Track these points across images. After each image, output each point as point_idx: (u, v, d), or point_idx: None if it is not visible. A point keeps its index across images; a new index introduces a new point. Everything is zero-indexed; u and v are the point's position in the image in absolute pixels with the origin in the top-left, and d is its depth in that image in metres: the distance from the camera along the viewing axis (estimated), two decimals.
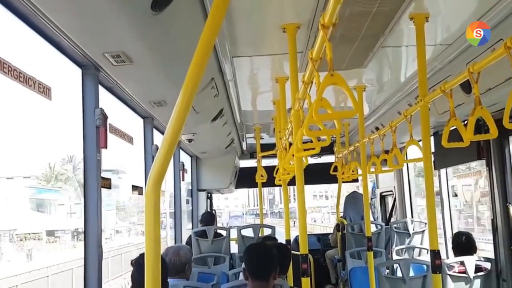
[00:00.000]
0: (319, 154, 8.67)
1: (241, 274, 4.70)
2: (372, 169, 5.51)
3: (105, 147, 3.37)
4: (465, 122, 2.99)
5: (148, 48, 2.95)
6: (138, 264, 2.83)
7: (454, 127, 3.13)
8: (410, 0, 3.06)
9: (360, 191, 7.52)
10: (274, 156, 6.74)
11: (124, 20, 2.55)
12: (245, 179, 9.19)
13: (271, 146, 6.87)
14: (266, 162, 7.81)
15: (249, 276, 2.94)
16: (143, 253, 2.97)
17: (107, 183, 3.57)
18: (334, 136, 7.37)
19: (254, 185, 7.55)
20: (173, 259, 3.53)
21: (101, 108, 3.32)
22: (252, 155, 9.26)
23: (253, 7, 3.21)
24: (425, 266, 4.56)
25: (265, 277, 2.90)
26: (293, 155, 3.62)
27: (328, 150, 7.88)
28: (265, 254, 3.00)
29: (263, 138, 8.01)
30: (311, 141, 3.07)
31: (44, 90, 2.74)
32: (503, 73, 3.25)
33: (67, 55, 3.04)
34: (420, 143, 3.82)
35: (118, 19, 2.53)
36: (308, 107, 2.63)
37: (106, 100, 3.66)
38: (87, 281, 3.26)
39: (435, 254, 3.47)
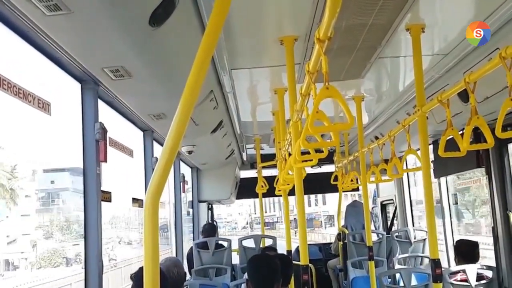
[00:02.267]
0: (319, 164, 8.67)
1: (243, 285, 4.70)
2: (372, 179, 5.51)
3: (105, 160, 3.39)
4: (463, 131, 3.01)
5: (147, 62, 2.97)
6: (137, 277, 2.83)
7: (452, 136, 3.15)
8: (406, 11, 3.09)
9: (360, 200, 7.52)
10: (274, 166, 6.76)
11: (123, 35, 2.58)
12: (245, 189, 9.19)
13: (272, 157, 6.90)
14: (266, 173, 7.82)
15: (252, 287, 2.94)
16: (142, 267, 2.98)
17: (107, 197, 3.58)
18: (333, 147, 7.39)
19: (255, 195, 7.56)
20: (171, 275, 3.53)
21: (100, 122, 3.34)
22: (252, 166, 9.27)
23: (251, 20, 3.24)
24: (426, 275, 4.55)
25: None
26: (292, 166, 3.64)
27: (328, 159, 7.88)
28: (268, 265, 3.01)
29: (263, 149, 8.03)
30: (310, 153, 3.09)
31: (44, 106, 2.77)
32: (500, 82, 3.27)
33: (66, 71, 3.07)
34: (419, 152, 3.83)
35: (117, 35, 2.56)
36: (306, 119, 2.64)
37: (106, 113, 3.68)
38: None
39: (435, 263, 3.47)
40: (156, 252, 1.51)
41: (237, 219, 66.43)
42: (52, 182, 38.73)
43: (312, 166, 8.61)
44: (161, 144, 5.41)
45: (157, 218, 1.51)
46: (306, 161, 3.09)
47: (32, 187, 38.40)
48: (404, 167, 5.89)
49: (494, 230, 4.80)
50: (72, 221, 36.75)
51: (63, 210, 38.67)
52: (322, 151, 2.91)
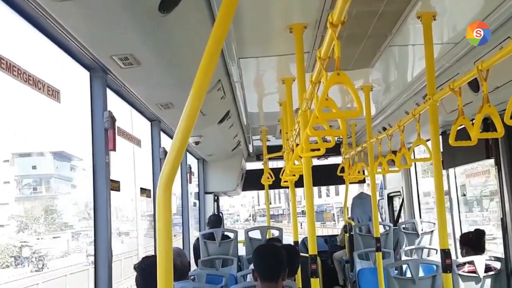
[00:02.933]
0: (326, 155, 8.66)
1: (249, 275, 4.70)
2: (379, 170, 5.49)
3: (114, 149, 3.38)
4: (473, 121, 2.98)
5: (156, 50, 2.95)
6: (140, 268, 2.83)
7: (462, 125, 3.12)
8: None
9: (367, 192, 7.51)
10: (280, 158, 6.75)
11: (132, 22, 2.56)
12: (251, 181, 9.19)
13: (278, 148, 6.89)
14: (272, 164, 7.81)
15: (258, 277, 2.94)
16: (146, 257, 2.97)
17: (116, 186, 3.58)
18: (340, 137, 7.36)
19: (261, 187, 7.56)
20: (176, 264, 3.53)
21: (109, 111, 3.33)
22: (258, 157, 9.27)
23: (260, 7, 3.21)
24: (434, 266, 4.54)
25: (274, 278, 2.90)
26: (300, 157, 3.62)
27: (335, 151, 7.87)
28: (274, 255, 3.00)
29: (269, 140, 8.01)
30: (317, 143, 3.08)
31: (53, 93, 2.75)
32: (511, 71, 3.24)
33: (75, 58, 3.05)
34: (428, 142, 3.80)
35: (126, 22, 2.54)
36: (315, 106, 2.63)
37: (113, 103, 3.67)
38: (98, 282, 3.26)
39: (445, 253, 3.46)
40: (169, 240, 1.50)
41: (239, 211, 62.02)
42: (34, 167, 33.76)
43: (318, 157, 8.62)
44: (168, 135, 5.40)
45: (170, 207, 1.50)
46: (313, 150, 3.06)
47: (11, 172, 32.91)
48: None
49: (503, 221, 4.77)
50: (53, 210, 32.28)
51: (45, 199, 33.25)
52: (330, 141, 2.89)
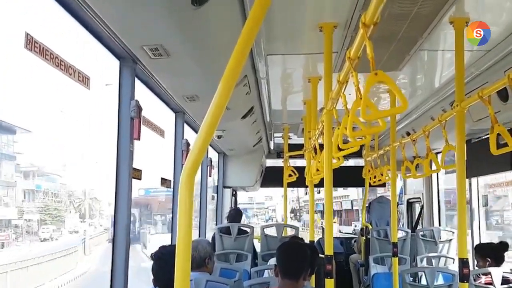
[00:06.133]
0: (347, 157, 8.61)
1: (266, 271, 4.71)
2: (408, 174, 5.43)
3: (138, 138, 3.42)
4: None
5: (186, 42, 2.98)
6: (157, 257, 2.86)
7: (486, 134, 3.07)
8: (452, 3, 3.02)
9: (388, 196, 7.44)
10: (299, 156, 6.73)
11: (164, 13, 2.59)
12: (270, 178, 9.20)
13: (298, 147, 6.87)
14: (290, 163, 7.80)
15: (280, 274, 2.93)
16: (163, 246, 3.00)
17: (137, 174, 3.62)
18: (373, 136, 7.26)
19: (280, 184, 7.56)
20: (192, 254, 3.55)
21: (136, 100, 3.37)
22: (279, 155, 9.26)
23: (291, 5, 3.21)
24: (450, 276, 4.48)
25: (296, 276, 2.88)
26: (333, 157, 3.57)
27: (356, 153, 7.82)
28: (298, 254, 2.98)
29: (291, 138, 8.00)
30: (344, 143, 3.06)
31: (84, 79, 2.80)
32: None
33: (106, 46, 3.09)
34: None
35: (158, 12, 2.57)
36: (344, 107, 2.61)
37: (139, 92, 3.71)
38: (114, 265, 3.31)
39: (463, 262, 3.42)
40: (189, 230, 1.52)
41: (276, 204, 46.38)
42: None
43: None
44: (191, 127, 5.44)
45: (191, 197, 1.52)
46: (345, 149, 3.04)
47: None
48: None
49: None
50: None
51: None
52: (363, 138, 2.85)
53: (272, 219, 45.34)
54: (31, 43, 2.29)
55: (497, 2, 3.24)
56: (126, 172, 3.39)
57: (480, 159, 4.74)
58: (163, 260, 2.82)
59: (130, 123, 3.34)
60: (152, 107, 4.35)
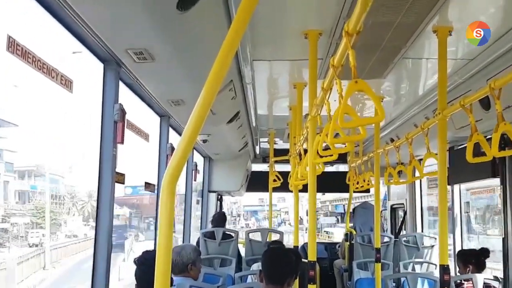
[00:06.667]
0: (332, 163, 8.65)
1: (249, 277, 4.70)
2: (391, 180, 5.47)
3: (122, 142, 3.40)
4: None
5: (171, 46, 2.97)
6: (140, 262, 2.84)
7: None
8: (435, 13, 3.05)
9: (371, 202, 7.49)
10: (286, 161, 6.75)
11: (149, 17, 2.58)
12: (256, 182, 9.20)
13: (284, 152, 6.89)
14: (276, 168, 7.82)
15: (265, 279, 2.92)
16: (146, 251, 2.98)
17: (121, 178, 3.60)
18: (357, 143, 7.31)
19: (265, 189, 7.57)
20: (174, 258, 3.54)
21: (120, 104, 3.35)
22: (264, 159, 9.28)
23: (277, 12, 3.22)
24: (432, 281, 4.52)
25: (280, 282, 2.87)
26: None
27: (341, 159, 7.87)
28: (283, 259, 2.97)
29: (276, 143, 8.02)
30: (327, 149, 3.07)
31: (66, 83, 2.78)
32: None
33: (90, 49, 3.07)
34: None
35: (143, 16, 2.56)
36: (327, 114, 2.63)
37: (124, 96, 3.68)
38: (95, 270, 3.28)
39: (444, 269, 3.45)
40: (170, 236, 1.51)
41: (289, 207, 41.02)
42: None
43: (325, 163, 8.60)
44: (176, 131, 5.42)
45: (173, 203, 1.51)
46: (325, 156, 3.06)
47: None
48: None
49: (505, 241, 4.75)
50: None
51: None
52: (344, 146, 2.88)
53: (285, 223, 42.48)
54: (13, 46, 2.27)
55: (480, 12, 3.28)
56: (109, 176, 3.36)
57: (462, 166, 4.79)
58: (146, 265, 2.80)
59: (114, 126, 3.32)
60: (137, 111, 4.33)
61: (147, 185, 4.72)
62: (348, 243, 7.47)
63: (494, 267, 5.99)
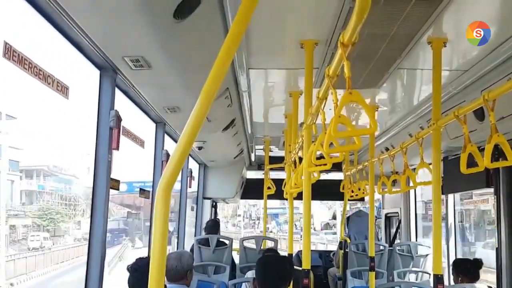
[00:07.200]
0: (328, 171, 8.67)
1: (243, 285, 4.70)
2: (385, 189, 5.49)
3: (117, 148, 3.41)
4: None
5: (168, 54, 2.99)
6: (133, 269, 2.83)
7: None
8: (430, 24, 3.08)
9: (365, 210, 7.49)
10: (281, 169, 6.76)
11: (146, 25, 2.60)
12: (251, 190, 9.21)
13: (279, 159, 6.90)
14: (271, 175, 7.83)
15: (258, 287, 2.93)
16: (139, 258, 2.97)
17: (116, 185, 3.60)
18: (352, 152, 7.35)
19: (260, 196, 7.57)
20: (175, 265, 3.53)
21: (116, 110, 3.36)
22: (259, 167, 9.28)
23: (273, 21, 3.24)
24: None
25: None
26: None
27: (336, 167, 7.88)
28: (277, 267, 2.98)
29: (272, 151, 8.03)
30: (322, 157, 3.08)
31: (62, 89, 2.78)
32: None
33: (87, 56, 3.08)
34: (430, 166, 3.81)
35: (140, 24, 2.58)
36: (322, 123, 2.64)
37: (119, 102, 3.69)
38: (89, 277, 3.27)
39: (438, 278, 3.45)
40: (164, 242, 1.51)
41: (313, 211, 30.94)
42: None
43: (321, 171, 8.61)
44: (172, 138, 5.43)
45: (168, 209, 1.51)
46: (320, 165, 3.07)
47: None
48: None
49: (498, 251, 4.77)
50: None
51: None
52: (337, 156, 2.90)
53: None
54: (10, 52, 2.27)
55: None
56: (104, 182, 3.37)
57: (456, 176, 4.81)
58: (140, 273, 2.79)
59: (109, 133, 3.32)
60: (133, 117, 4.34)
61: (142, 192, 4.71)
62: (342, 251, 7.48)
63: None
